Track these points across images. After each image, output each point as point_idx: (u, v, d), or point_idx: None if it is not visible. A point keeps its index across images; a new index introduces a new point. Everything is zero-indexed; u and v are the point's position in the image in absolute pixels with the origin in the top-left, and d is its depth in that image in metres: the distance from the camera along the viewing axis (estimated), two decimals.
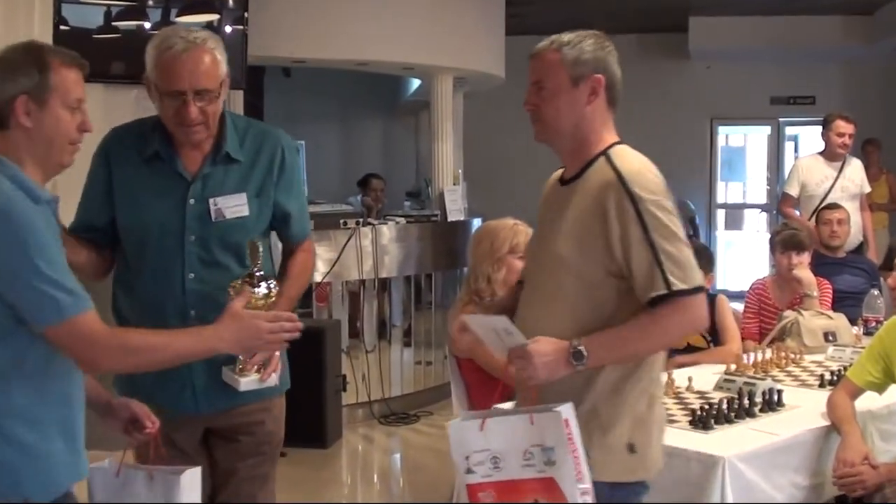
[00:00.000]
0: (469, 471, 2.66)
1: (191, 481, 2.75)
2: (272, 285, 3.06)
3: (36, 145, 2.51)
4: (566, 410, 2.59)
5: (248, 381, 3.06)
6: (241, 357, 3.05)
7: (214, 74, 3.03)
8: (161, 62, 2.99)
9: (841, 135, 7.47)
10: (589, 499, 2.58)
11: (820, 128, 7.72)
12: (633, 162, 2.83)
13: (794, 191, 7.60)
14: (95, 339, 2.47)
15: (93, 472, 2.74)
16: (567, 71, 2.82)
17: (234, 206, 3.14)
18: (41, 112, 2.49)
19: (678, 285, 2.66)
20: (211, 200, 3.12)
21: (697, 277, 2.72)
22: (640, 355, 2.80)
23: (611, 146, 2.88)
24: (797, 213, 7.58)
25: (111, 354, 2.52)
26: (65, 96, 2.52)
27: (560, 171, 3.02)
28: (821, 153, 7.71)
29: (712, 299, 5.12)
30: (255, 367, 3.07)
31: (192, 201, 3.11)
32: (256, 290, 3.01)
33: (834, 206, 6.67)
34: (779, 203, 7.91)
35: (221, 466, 3.30)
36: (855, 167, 7.70)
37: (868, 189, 7.88)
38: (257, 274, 3.04)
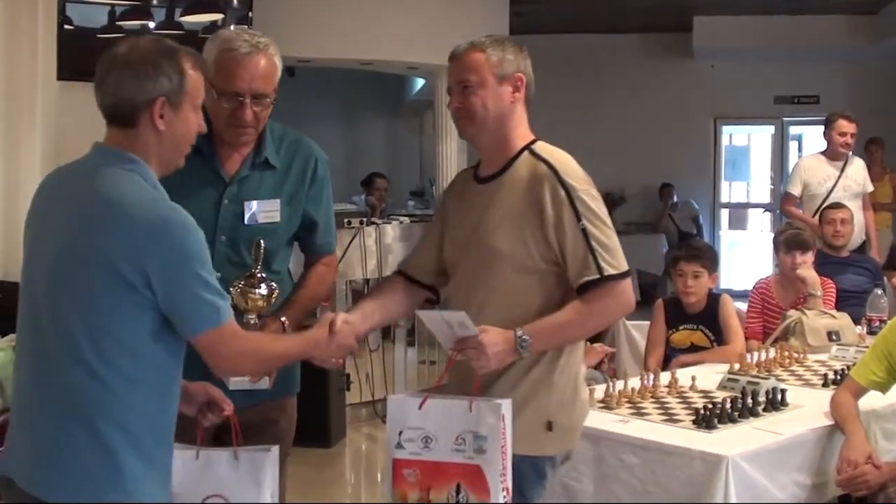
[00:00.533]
0: (399, 445, 2.79)
1: (273, 459, 2.79)
2: (273, 287, 3.08)
3: (163, 146, 2.49)
4: (506, 405, 2.74)
5: (238, 381, 3.02)
6: None
7: (272, 80, 3.07)
8: (223, 61, 3.01)
9: (843, 134, 7.47)
10: (508, 499, 2.73)
11: (823, 127, 7.71)
12: (560, 155, 3.01)
13: (796, 190, 7.60)
14: (241, 344, 2.52)
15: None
16: (492, 70, 2.97)
17: (267, 210, 3.16)
18: (175, 115, 2.47)
19: (609, 270, 2.85)
20: (246, 204, 3.14)
21: (625, 262, 2.90)
22: (577, 339, 3.02)
23: (532, 142, 3.06)
24: (800, 211, 7.57)
25: (247, 360, 2.59)
26: (194, 99, 2.51)
27: (470, 170, 3.20)
28: (823, 152, 7.71)
29: (717, 298, 5.13)
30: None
31: (226, 202, 3.13)
32: (256, 290, 3.03)
33: (837, 206, 6.65)
34: (781, 202, 7.91)
35: None
36: (857, 166, 7.70)
37: (871, 188, 7.87)
38: (258, 275, 3.05)
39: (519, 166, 3.00)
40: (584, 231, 2.86)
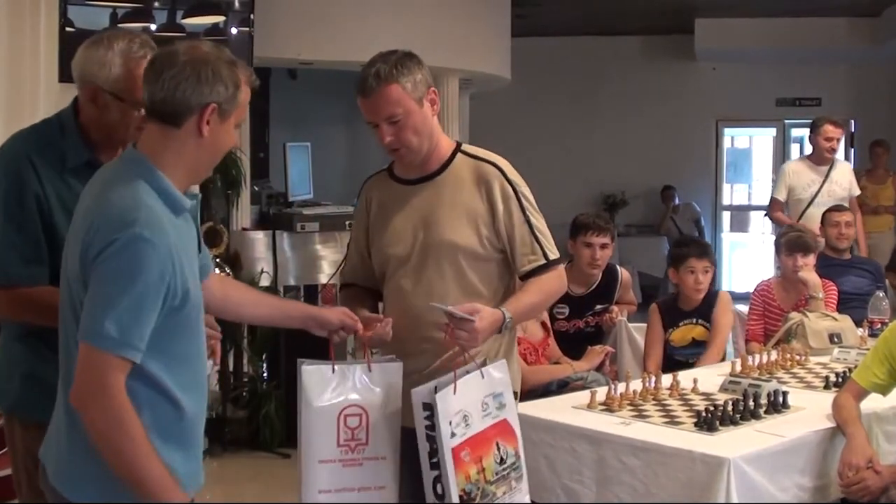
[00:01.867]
0: (452, 434, 2.88)
1: (399, 368, 3.04)
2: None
3: (201, 153, 2.46)
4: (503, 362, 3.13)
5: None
6: None
7: None
8: (133, 68, 2.83)
9: (829, 139, 7.48)
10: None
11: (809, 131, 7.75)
12: (495, 156, 3.30)
13: (781, 195, 7.62)
14: (106, 393, 2.33)
15: (306, 374, 2.99)
16: (411, 96, 3.12)
17: None
18: (220, 124, 2.44)
19: (552, 255, 3.25)
20: None
21: (556, 249, 3.29)
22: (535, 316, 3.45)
23: (459, 144, 3.33)
24: (786, 216, 7.58)
25: (103, 413, 2.36)
26: (240, 114, 2.50)
27: (381, 174, 3.42)
28: (808, 157, 7.73)
29: (715, 293, 5.20)
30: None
31: None
32: None
33: (840, 209, 6.64)
34: (769, 208, 7.87)
35: None
36: (843, 170, 7.73)
37: (857, 192, 7.88)
38: None
39: (458, 166, 3.26)
40: (529, 223, 3.22)
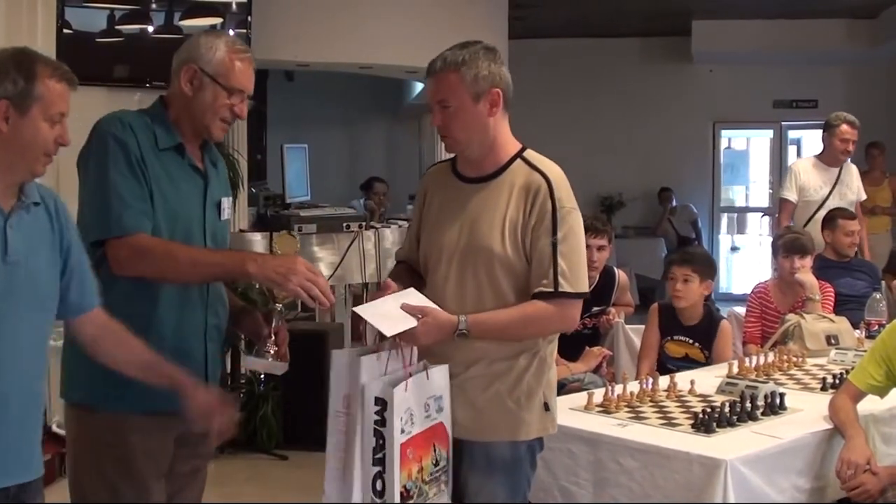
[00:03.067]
0: (402, 431, 2.90)
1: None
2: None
3: (8, 151, 2.49)
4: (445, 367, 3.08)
5: (283, 365, 3.10)
6: (264, 345, 3.09)
7: None
8: (235, 60, 3.05)
9: (845, 141, 7.11)
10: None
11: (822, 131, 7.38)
12: (555, 169, 3.16)
13: (793, 196, 7.17)
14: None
15: (363, 362, 2.92)
16: (467, 90, 3.07)
17: (227, 207, 3.23)
18: (20, 120, 2.48)
19: (564, 288, 3.03)
20: (222, 200, 3.20)
21: (585, 286, 3.11)
22: (511, 340, 3.12)
23: (523, 149, 3.21)
24: (792, 223, 7.28)
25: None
26: (47, 108, 2.51)
27: (446, 164, 3.33)
28: (819, 156, 7.33)
29: (717, 320, 5.08)
30: (274, 349, 3.09)
31: (208, 199, 3.14)
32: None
33: (850, 216, 6.45)
34: (779, 210, 7.44)
35: (188, 467, 3.23)
36: (853, 174, 7.37)
37: (863, 197, 7.53)
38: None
39: (513, 172, 3.14)
40: (554, 245, 3.04)
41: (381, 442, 2.89)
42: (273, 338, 3.09)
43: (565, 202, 3.08)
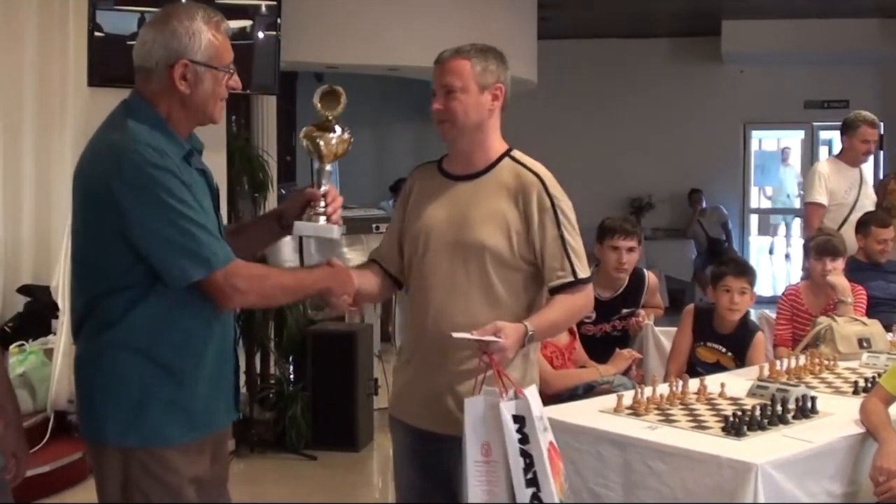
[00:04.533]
0: (545, 428, 3.00)
1: None
2: (346, 132, 3.15)
3: None
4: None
5: (339, 229, 3.10)
6: (315, 209, 3.08)
7: None
8: (218, 35, 2.90)
9: (866, 141, 7.02)
10: None
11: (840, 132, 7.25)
12: (542, 166, 3.35)
13: (824, 199, 6.98)
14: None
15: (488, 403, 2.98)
16: (476, 78, 3.25)
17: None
18: None
19: (581, 274, 3.27)
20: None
21: (588, 269, 3.34)
22: (558, 334, 3.59)
23: (510, 149, 3.37)
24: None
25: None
26: None
27: (432, 165, 3.49)
28: (839, 157, 7.18)
29: (752, 329, 5.07)
30: (325, 211, 3.07)
31: (216, 199, 3.03)
32: (332, 134, 3.12)
33: (884, 223, 6.36)
34: (807, 214, 7.20)
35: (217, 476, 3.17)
36: (867, 172, 7.32)
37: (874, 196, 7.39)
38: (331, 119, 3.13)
39: (502, 170, 3.31)
40: (563, 238, 3.24)
41: (528, 461, 2.90)
42: (323, 200, 3.06)
43: (559, 197, 3.28)
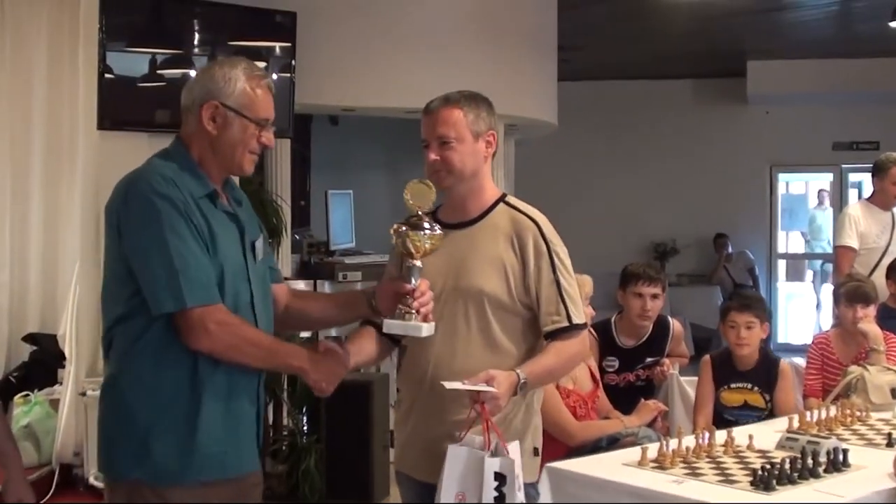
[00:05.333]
0: (520, 488, 3.04)
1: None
2: (436, 228, 3.13)
3: None
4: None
5: (429, 327, 3.10)
6: (405, 305, 3.09)
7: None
8: (257, 89, 3.00)
9: None
10: None
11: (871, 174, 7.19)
12: (536, 212, 3.39)
13: (855, 242, 6.94)
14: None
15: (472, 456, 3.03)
16: (469, 126, 3.29)
17: (261, 247, 3.14)
18: None
19: (576, 319, 3.32)
20: (256, 242, 3.11)
21: (583, 314, 3.40)
22: (553, 381, 3.70)
23: (504, 195, 3.44)
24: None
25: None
26: None
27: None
28: (870, 200, 7.17)
29: (774, 361, 5.03)
30: (415, 309, 3.08)
31: (246, 242, 3.07)
32: (423, 230, 3.11)
33: None
34: (837, 258, 7.17)
35: None
36: None
37: None
38: (422, 215, 3.13)
39: (497, 216, 3.37)
40: (558, 283, 3.29)
41: None
42: (413, 297, 3.06)
43: (555, 241, 3.34)
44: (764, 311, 5.08)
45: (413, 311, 3.07)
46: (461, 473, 2.97)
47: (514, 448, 3.08)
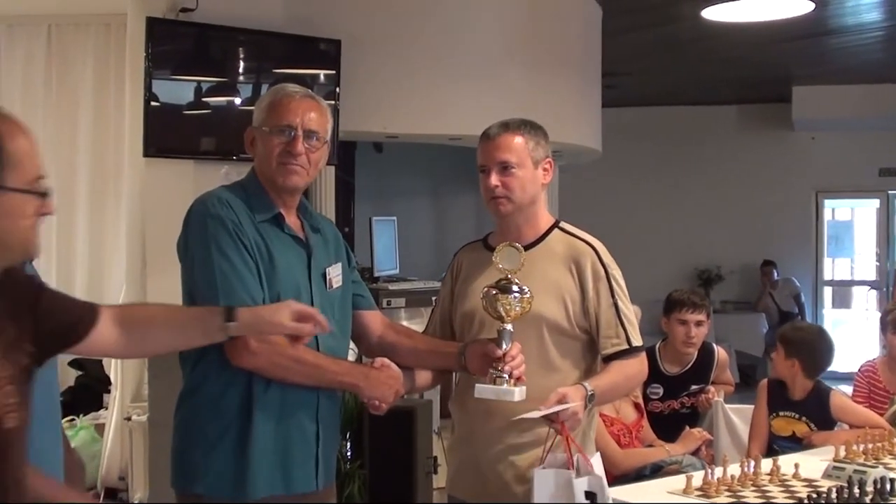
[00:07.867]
0: None
1: None
2: (526, 291, 3.10)
3: None
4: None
5: (521, 391, 3.06)
6: (496, 370, 3.08)
7: (324, 123, 3.13)
8: (275, 102, 3.09)
9: None
10: None
11: None
12: (592, 237, 3.41)
13: None
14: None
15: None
16: (530, 153, 3.32)
17: (336, 275, 3.16)
18: None
19: (636, 342, 3.34)
20: (327, 269, 3.13)
21: (640, 337, 3.39)
22: (615, 400, 3.86)
23: (558, 221, 3.45)
24: None
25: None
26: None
27: (477, 244, 3.59)
28: None
29: (826, 392, 4.88)
30: (508, 373, 3.07)
31: (313, 268, 3.09)
32: (513, 294, 3.08)
33: None
34: (895, 283, 7.31)
35: None
36: None
37: None
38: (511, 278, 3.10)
39: (552, 241, 3.38)
40: (616, 307, 3.31)
41: None
42: (505, 361, 3.05)
43: (612, 265, 3.35)
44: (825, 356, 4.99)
45: (504, 376, 3.05)
46: (552, 496, 2.92)
47: (596, 461, 3.09)
